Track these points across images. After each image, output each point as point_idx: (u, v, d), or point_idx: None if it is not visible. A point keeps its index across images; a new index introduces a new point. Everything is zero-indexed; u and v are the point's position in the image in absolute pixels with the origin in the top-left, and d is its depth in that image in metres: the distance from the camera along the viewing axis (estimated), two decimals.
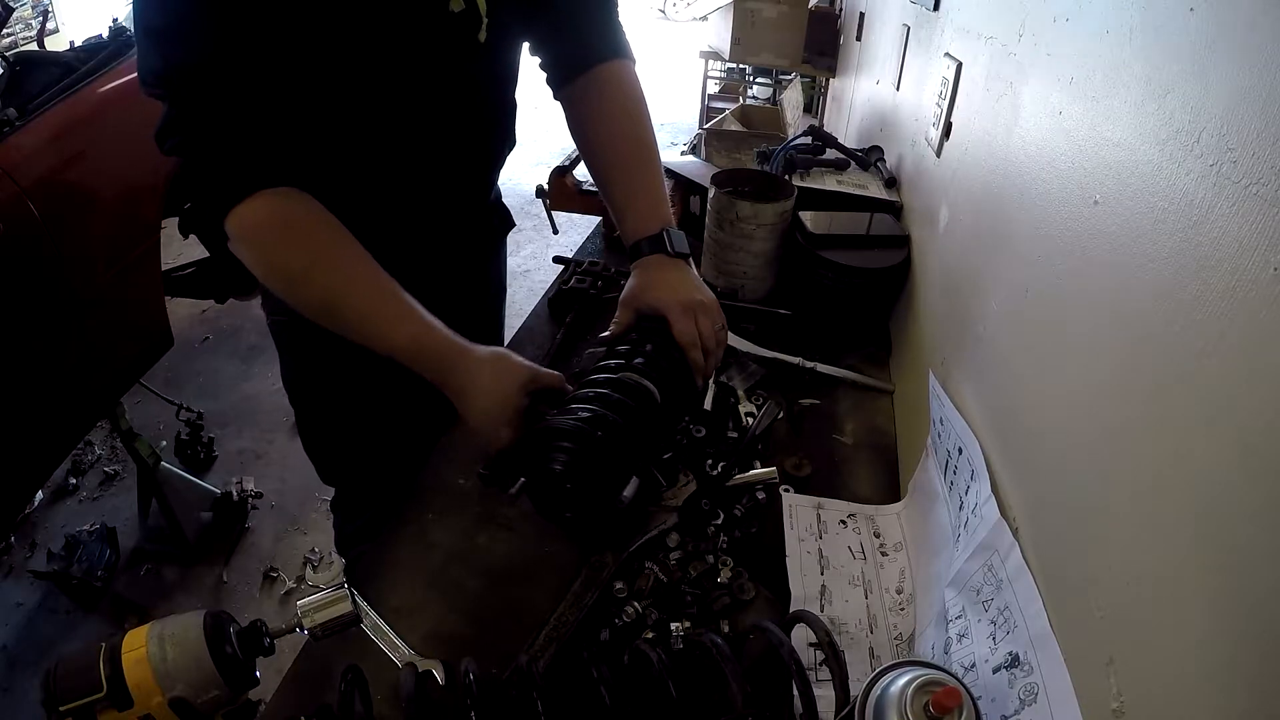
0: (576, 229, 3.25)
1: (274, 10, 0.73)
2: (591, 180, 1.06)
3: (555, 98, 1.03)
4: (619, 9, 1.04)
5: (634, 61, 1.03)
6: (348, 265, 0.81)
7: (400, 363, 0.81)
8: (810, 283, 1.23)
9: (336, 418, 1.17)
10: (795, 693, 0.59)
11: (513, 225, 1.24)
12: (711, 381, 1.09)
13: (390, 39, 0.83)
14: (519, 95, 1.04)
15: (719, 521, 0.88)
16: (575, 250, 1.54)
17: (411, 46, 0.85)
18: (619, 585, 0.80)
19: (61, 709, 0.52)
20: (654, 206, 0.97)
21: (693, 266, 0.95)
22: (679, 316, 0.87)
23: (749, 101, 4.14)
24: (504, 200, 1.21)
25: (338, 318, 0.82)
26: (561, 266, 1.41)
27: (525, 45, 1.01)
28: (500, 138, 1.05)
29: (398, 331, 0.80)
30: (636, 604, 0.78)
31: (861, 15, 2.47)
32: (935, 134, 1.13)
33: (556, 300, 1.31)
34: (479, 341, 0.83)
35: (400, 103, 0.89)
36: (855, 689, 0.55)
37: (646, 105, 1.02)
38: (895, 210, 1.36)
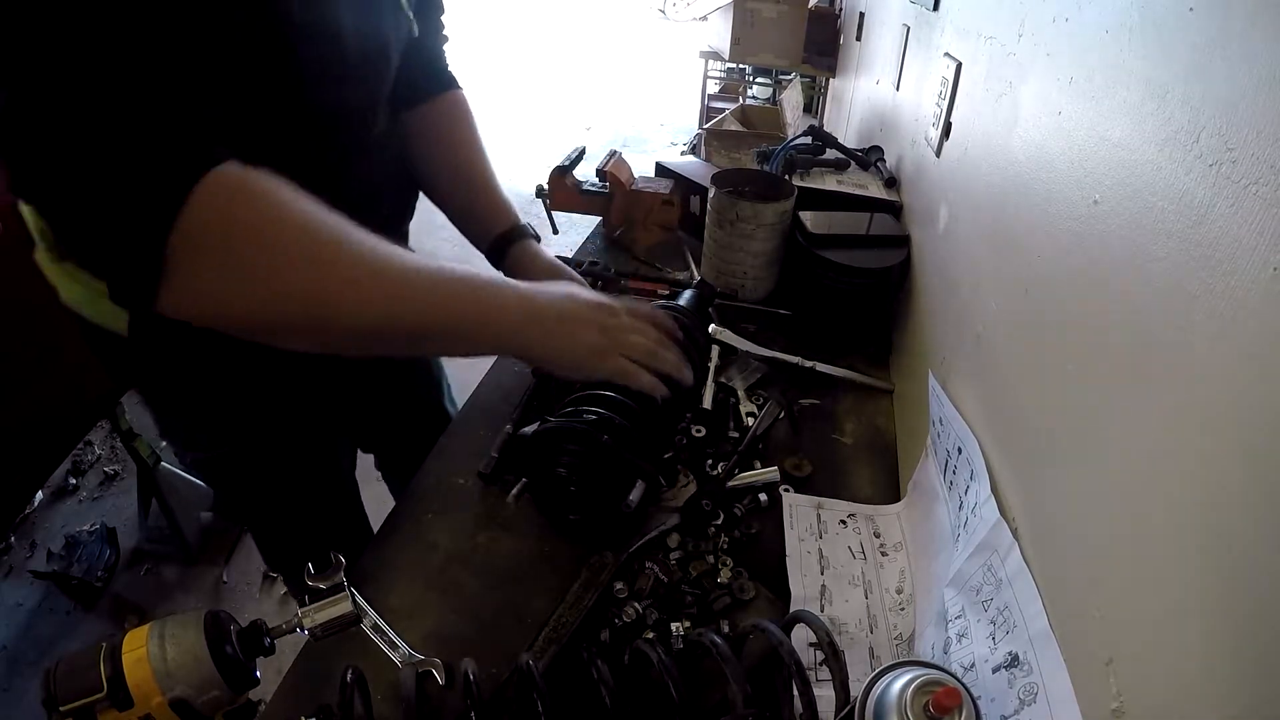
0: (576, 229, 3.24)
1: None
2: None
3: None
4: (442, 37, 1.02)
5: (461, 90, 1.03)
6: (361, 231, 0.62)
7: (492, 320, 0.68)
8: (810, 283, 1.23)
9: (292, 532, 1.10)
10: (795, 693, 0.59)
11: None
12: (710, 380, 1.08)
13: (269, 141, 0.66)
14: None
15: (719, 522, 0.88)
16: (575, 250, 1.54)
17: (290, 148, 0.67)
18: (619, 585, 0.80)
19: (61, 709, 0.52)
20: (502, 203, 0.99)
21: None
22: None
23: (749, 101, 4.13)
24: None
25: (379, 287, 0.61)
26: None
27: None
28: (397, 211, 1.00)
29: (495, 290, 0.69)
30: (636, 604, 0.78)
31: (861, 15, 2.47)
32: (935, 134, 1.13)
33: None
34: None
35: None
36: (855, 689, 0.55)
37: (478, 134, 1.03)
38: (895, 210, 1.36)
